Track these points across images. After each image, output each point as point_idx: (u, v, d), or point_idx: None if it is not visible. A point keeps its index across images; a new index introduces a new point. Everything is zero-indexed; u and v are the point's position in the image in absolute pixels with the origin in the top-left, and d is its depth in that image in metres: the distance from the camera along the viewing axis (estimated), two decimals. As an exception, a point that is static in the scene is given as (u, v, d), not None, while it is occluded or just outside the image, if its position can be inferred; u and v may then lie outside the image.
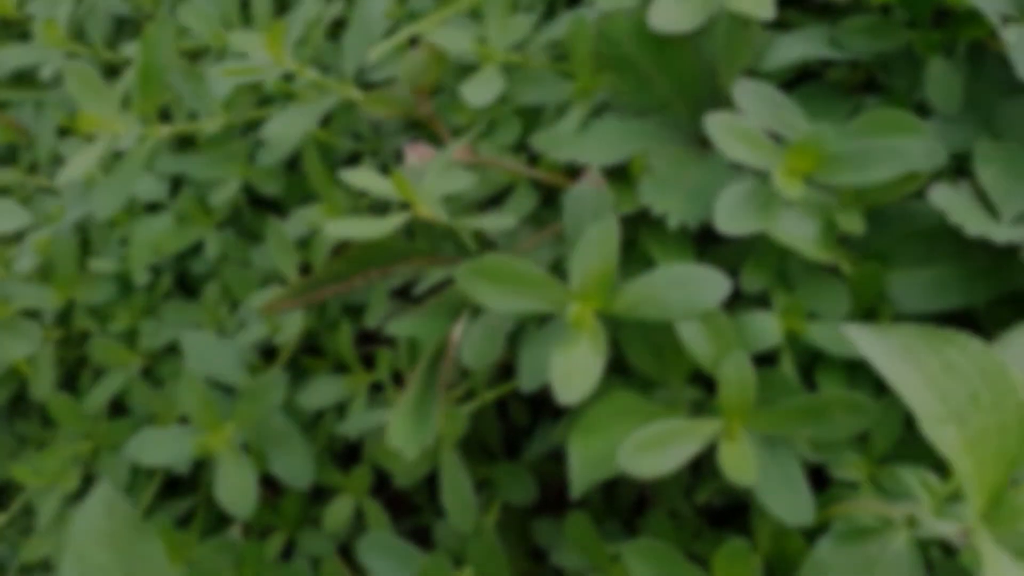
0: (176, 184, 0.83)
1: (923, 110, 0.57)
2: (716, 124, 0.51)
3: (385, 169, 0.70)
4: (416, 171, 0.59)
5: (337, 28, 0.81)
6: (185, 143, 0.86)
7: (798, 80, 0.62)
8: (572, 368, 0.48)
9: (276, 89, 0.76)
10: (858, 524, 0.45)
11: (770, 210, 0.51)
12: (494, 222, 0.56)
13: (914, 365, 0.37)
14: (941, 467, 0.47)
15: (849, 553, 0.42)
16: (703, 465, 0.59)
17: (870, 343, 0.37)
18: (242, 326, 0.75)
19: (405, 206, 0.57)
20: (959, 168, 0.55)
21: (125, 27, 0.96)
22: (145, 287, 0.80)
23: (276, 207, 0.80)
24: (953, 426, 0.37)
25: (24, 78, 1.02)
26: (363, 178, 0.57)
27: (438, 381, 0.57)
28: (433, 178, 0.57)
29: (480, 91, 0.59)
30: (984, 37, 0.57)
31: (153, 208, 0.82)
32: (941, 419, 0.36)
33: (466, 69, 0.65)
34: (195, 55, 0.87)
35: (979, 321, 0.54)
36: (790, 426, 0.49)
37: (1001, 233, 0.49)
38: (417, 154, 0.60)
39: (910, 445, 0.53)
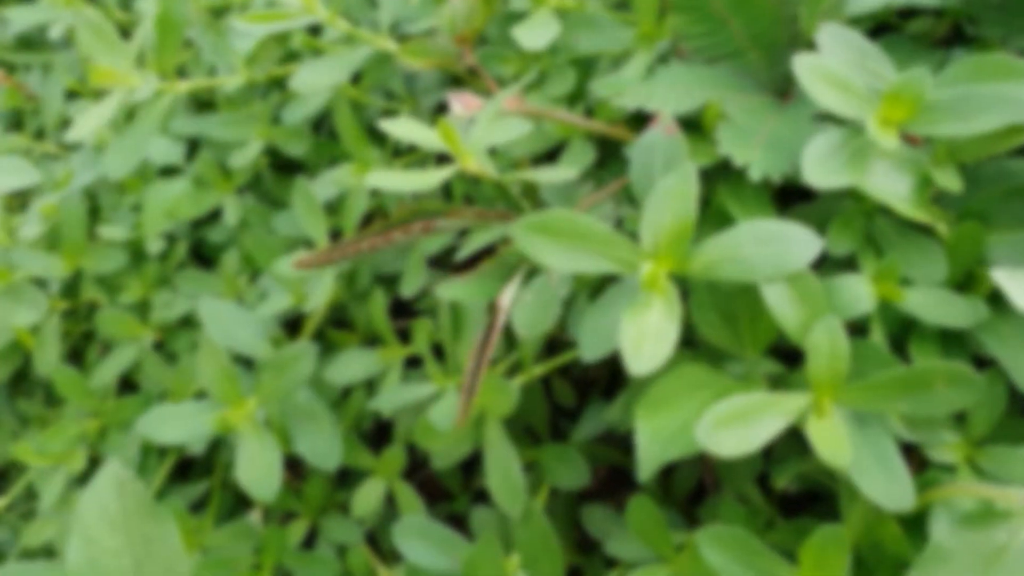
0: (193, 147, 0.78)
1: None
2: (805, 68, 0.46)
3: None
4: (462, 122, 0.54)
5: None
6: (203, 107, 0.81)
7: (876, 32, 0.57)
8: (644, 334, 0.43)
9: (303, 44, 0.71)
10: (970, 510, 0.40)
11: (861, 163, 0.46)
12: (550, 175, 0.51)
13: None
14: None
15: (973, 540, 0.36)
16: (774, 449, 0.54)
17: (1020, 288, 0.32)
18: (263, 297, 0.70)
19: (448, 159, 0.51)
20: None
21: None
22: (158, 256, 0.74)
23: (301, 171, 0.75)
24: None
25: (31, 41, 0.97)
26: (404, 128, 0.52)
27: (484, 352, 0.52)
28: (482, 129, 0.52)
29: (535, 34, 0.54)
30: (1090, -19, 0.52)
31: (168, 172, 0.77)
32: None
33: (512, 17, 0.60)
34: (217, 13, 0.81)
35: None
36: (886, 401, 0.44)
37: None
38: (462, 103, 0.54)
39: (1010, 427, 0.49)
